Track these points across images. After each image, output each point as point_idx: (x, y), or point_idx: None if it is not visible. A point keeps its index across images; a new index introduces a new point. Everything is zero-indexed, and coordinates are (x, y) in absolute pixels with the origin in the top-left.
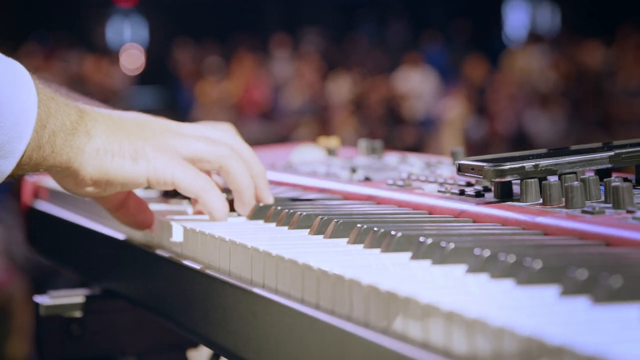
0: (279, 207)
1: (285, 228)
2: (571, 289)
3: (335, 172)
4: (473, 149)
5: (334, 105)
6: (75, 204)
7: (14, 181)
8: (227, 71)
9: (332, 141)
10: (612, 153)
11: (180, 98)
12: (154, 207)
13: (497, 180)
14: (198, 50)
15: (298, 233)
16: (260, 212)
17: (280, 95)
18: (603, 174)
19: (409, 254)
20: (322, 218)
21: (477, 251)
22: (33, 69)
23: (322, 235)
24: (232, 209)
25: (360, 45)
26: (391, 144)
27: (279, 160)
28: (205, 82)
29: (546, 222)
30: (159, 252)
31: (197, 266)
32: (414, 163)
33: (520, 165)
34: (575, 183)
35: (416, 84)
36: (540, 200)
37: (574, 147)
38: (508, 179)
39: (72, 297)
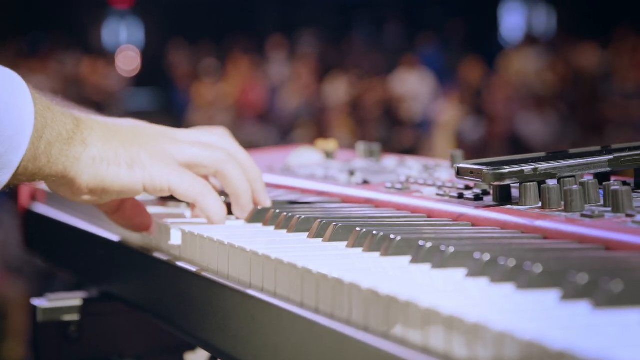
0: (277, 210)
1: (284, 231)
2: (571, 293)
3: (333, 175)
4: (468, 151)
5: (331, 107)
6: (72, 207)
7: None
8: (223, 73)
9: (330, 144)
10: (611, 157)
11: (176, 100)
12: (151, 210)
13: (496, 183)
14: (194, 52)
15: (297, 236)
16: (258, 215)
17: (276, 97)
18: (601, 178)
19: (408, 258)
20: (320, 221)
21: (476, 255)
22: (26, 70)
23: (321, 239)
24: (230, 212)
25: (357, 47)
26: (388, 146)
27: (276, 163)
28: (201, 84)
29: (545, 226)
30: (157, 255)
31: (195, 269)
32: (412, 166)
33: (520, 168)
34: (575, 187)
35: (413, 86)
36: (539, 204)
37: (572, 151)
38: (507, 182)
39: (69, 300)
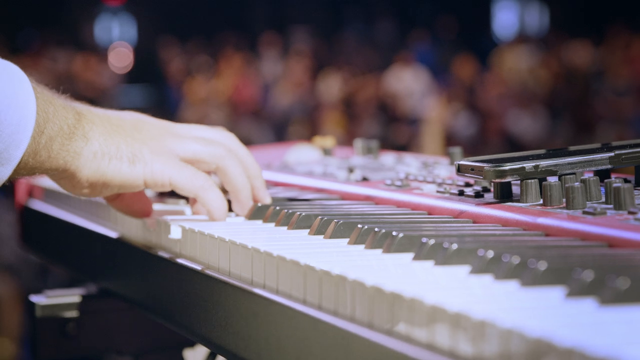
0: (277, 207)
1: (285, 228)
2: (577, 290)
3: (332, 172)
4: (461, 148)
5: (324, 104)
6: (70, 203)
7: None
8: (216, 70)
9: (328, 141)
10: (612, 154)
11: (168, 97)
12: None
13: (497, 180)
14: (186, 49)
15: (298, 233)
16: (258, 212)
17: (269, 94)
18: (601, 175)
19: (410, 255)
20: (322, 218)
21: (480, 252)
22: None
23: (322, 236)
24: (229, 209)
25: (348, 44)
26: (381, 143)
27: (274, 160)
28: (194, 80)
29: (547, 223)
30: (157, 252)
31: (197, 266)
32: (411, 163)
33: (521, 165)
34: (576, 184)
35: (408, 83)
36: (541, 201)
37: (572, 148)
38: (508, 179)
39: (67, 297)
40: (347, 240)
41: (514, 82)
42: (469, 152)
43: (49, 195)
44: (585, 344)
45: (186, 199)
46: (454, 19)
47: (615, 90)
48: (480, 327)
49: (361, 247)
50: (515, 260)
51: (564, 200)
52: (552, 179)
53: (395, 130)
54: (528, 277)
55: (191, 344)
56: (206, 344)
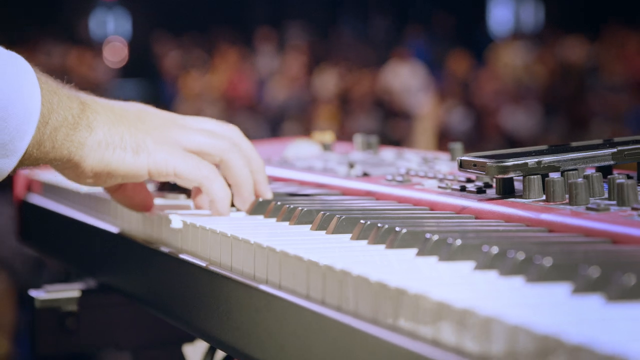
0: (279, 203)
1: (286, 223)
2: (583, 287)
3: (332, 168)
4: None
5: (319, 99)
6: (69, 198)
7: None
8: (211, 65)
9: (327, 136)
10: (614, 150)
11: (163, 91)
12: None
13: (500, 176)
14: (181, 44)
15: (299, 229)
16: (260, 207)
17: (264, 89)
18: (603, 171)
19: (414, 251)
20: (324, 214)
21: (485, 248)
22: None
23: (325, 231)
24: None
25: (344, 39)
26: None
27: (273, 155)
28: (188, 75)
29: (551, 219)
30: (158, 246)
31: (198, 261)
32: (411, 158)
33: (523, 161)
34: (580, 180)
35: (404, 79)
36: (543, 197)
37: (574, 144)
38: (510, 175)
39: (67, 292)
40: (349, 235)
41: (508, 78)
42: (464, 147)
43: (47, 189)
44: (594, 340)
45: (186, 193)
46: (450, 15)
47: (610, 86)
48: (486, 323)
49: (364, 242)
50: (521, 256)
51: (567, 196)
52: (553, 175)
53: (391, 126)
54: (533, 273)
55: (190, 339)
56: (207, 338)
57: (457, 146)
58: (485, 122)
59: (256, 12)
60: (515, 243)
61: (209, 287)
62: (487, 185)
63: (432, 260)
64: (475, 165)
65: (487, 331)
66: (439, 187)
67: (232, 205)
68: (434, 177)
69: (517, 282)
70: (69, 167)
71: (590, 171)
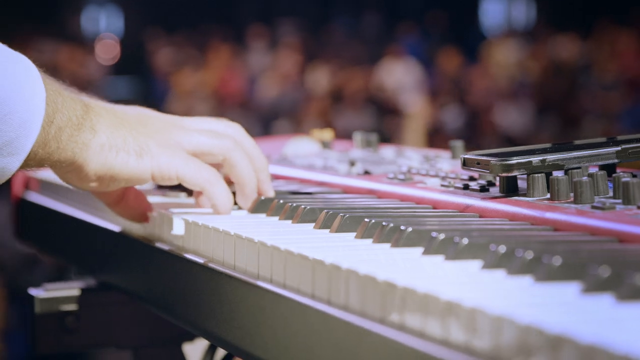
0: (281, 201)
1: (289, 222)
2: (593, 286)
3: (332, 166)
4: (448, 141)
5: (311, 96)
6: (68, 196)
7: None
8: (203, 62)
9: (326, 134)
10: (618, 148)
11: (155, 88)
12: (151, 199)
13: (504, 174)
14: (173, 41)
15: (302, 227)
16: (262, 205)
17: (256, 86)
18: (607, 169)
19: (419, 249)
20: (327, 212)
21: (492, 247)
22: None
23: (328, 230)
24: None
25: (336, 37)
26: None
27: (272, 153)
28: (180, 72)
29: (556, 218)
30: (160, 245)
31: (201, 260)
32: (412, 156)
33: (527, 159)
34: (585, 178)
35: (398, 76)
36: (548, 195)
37: (578, 142)
38: (515, 173)
39: (66, 290)
40: (353, 234)
41: (501, 76)
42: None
43: (45, 187)
44: (607, 340)
45: (187, 191)
46: (442, 12)
47: (602, 84)
48: (497, 322)
49: (369, 241)
50: (529, 255)
51: (572, 194)
52: (557, 173)
53: (385, 124)
54: (542, 272)
55: (190, 338)
56: (209, 337)
57: (458, 144)
58: (477, 120)
59: (248, 9)
60: (521, 242)
61: (212, 285)
62: (490, 184)
63: (439, 259)
64: (478, 163)
65: (497, 330)
66: (442, 185)
67: (235, 203)
68: (436, 176)
69: (525, 281)
70: (72, 170)
71: (593, 169)
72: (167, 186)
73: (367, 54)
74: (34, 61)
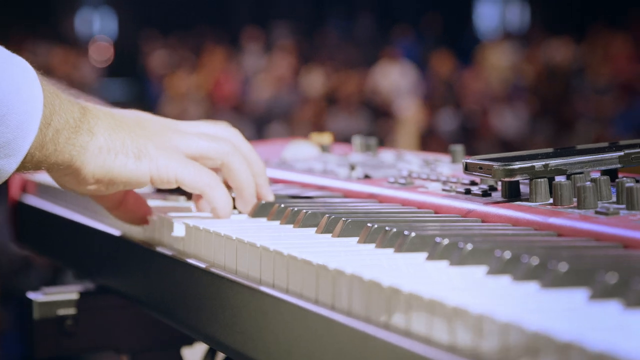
0: (282, 205)
1: (290, 226)
2: (601, 292)
3: (332, 170)
4: (442, 144)
5: (305, 99)
6: (66, 199)
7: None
8: (197, 64)
9: (325, 137)
10: (621, 153)
11: (149, 91)
12: (152, 203)
13: (506, 179)
14: (167, 43)
15: (304, 232)
16: (262, 210)
17: (250, 89)
18: (609, 174)
19: (423, 255)
20: (329, 217)
21: (497, 253)
22: None
23: (330, 234)
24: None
25: (330, 39)
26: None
27: (270, 157)
28: (174, 75)
29: (560, 223)
30: (160, 249)
31: (202, 265)
32: (411, 160)
33: (530, 164)
34: (588, 183)
35: (394, 79)
36: (550, 201)
37: (580, 147)
38: (517, 178)
39: (65, 294)
40: (356, 239)
41: (495, 79)
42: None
43: (43, 190)
44: (617, 347)
45: (186, 195)
46: (437, 15)
47: (595, 88)
48: (505, 329)
49: (371, 246)
50: (535, 261)
51: (574, 199)
52: (559, 179)
53: (379, 126)
54: (548, 278)
55: (189, 342)
56: (211, 342)
57: (458, 148)
58: (471, 123)
59: (242, 12)
60: (526, 247)
61: (213, 290)
62: (492, 188)
63: (443, 264)
64: (481, 168)
65: (504, 337)
66: (443, 189)
67: (234, 207)
68: (437, 180)
69: (531, 287)
70: (70, 173)
71: (595, 174)
72: (166, 190)
73: (361, 56)
74: (29, 63)
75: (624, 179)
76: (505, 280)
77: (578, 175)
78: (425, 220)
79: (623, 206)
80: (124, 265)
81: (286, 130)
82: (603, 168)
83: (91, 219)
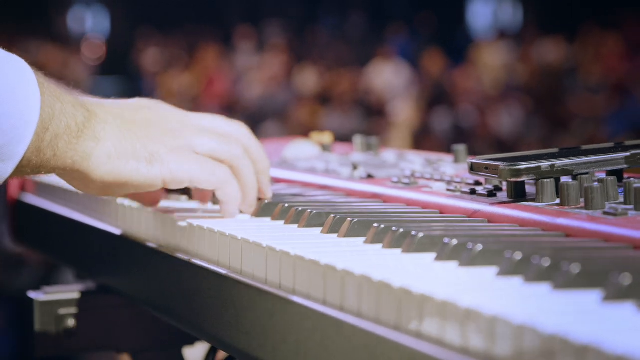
0: (286, 205)
1: (295, 226)
2: (614, 294)
3: (334, 169)
4: (436, 143)
5: (298, 97)
6: (66, 198)
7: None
8: (190, 63)
9: (326, 137)
10: (628, 154)
11: (141, 89)
12: None
13: (513, 180)
14: (160, 41)
15: (310, 232)
16: (266, 210)
17: (243, 87)
18: (615, 175)
19: (432, 255)
20: (334, 216)
21: (508, 254)
22: None
23: (336, 234)
24: None
25: (323, 38)
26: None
27: (271, 156)
28: (167, 73)
29: (568, 224)
30: (163, 249)
31: (207, 264)
32: (414, 160)
33: (537, 165)
34: (595, 184)
35: (388, 77)
36: (557, 201)
37: (585, 147)
38: (523, 179)
39: (66, 293)
40: (362, 239)
41: (488, 78)
42: (445, 147)
43: (42, 189)
44: (634, 350)
45: (188, 194)
46: (429, 14)
47: (587, 87)
48: (519, 331)
49: (379, 246)
50: (546, 262)
51: (582, 200)
52: (564, 179)
53: (371, 125)
54: (560, 280)
55: (191, 342)
56: (215, 342)
57: (461, 148)
58: (464, 122)
59: (235, 10)
60: (535, 248)
61: (218, 290)
62: (497, 189)
63: (452, 265)
64: (487, 168)
65: (519, 339)
66: (448, 189)
67: None
68: (441, 180)
69: (543, 289)
70: (76, 177)
71: (600, 175)
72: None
73: (353, 54)
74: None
75: (632, 179)
76: (516, 281)
77: (584, 176)
78: (431, 221)
79: (631, 207)
80: (125, 265)
81: (279, 129)
82: (609, 169)
83: (91, 218)
